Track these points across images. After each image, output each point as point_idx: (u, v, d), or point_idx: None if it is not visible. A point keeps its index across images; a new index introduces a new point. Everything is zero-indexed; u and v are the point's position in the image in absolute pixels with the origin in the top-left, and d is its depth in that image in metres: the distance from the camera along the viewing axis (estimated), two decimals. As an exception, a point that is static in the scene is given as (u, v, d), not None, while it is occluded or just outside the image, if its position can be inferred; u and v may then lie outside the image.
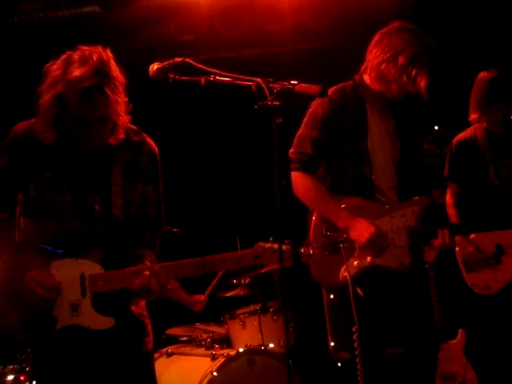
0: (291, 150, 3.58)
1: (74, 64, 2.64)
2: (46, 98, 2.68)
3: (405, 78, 3.42)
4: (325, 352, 5.38)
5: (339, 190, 3.56)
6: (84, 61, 2.63)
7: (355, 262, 3.46)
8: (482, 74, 4.31)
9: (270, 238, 2.78)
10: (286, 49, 6.35)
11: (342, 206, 3.52)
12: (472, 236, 4.26)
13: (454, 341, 4.68)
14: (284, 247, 2.60)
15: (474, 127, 4.39)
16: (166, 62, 2.75)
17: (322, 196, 3.54)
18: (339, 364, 5.41)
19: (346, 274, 3.40)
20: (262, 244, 2.79)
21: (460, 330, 4.72)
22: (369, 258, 3.44)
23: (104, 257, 2.76)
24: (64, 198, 2.77)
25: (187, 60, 2.71)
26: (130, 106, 2.81)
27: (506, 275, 4.17)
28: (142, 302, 2.97)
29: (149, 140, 2.99)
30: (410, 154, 3.61)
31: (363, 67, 3.63)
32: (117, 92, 2.68)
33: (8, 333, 2.69)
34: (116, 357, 2.80)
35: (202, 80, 2.65)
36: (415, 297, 3.55)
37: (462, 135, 4.43)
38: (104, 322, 2.71)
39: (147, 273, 2.69)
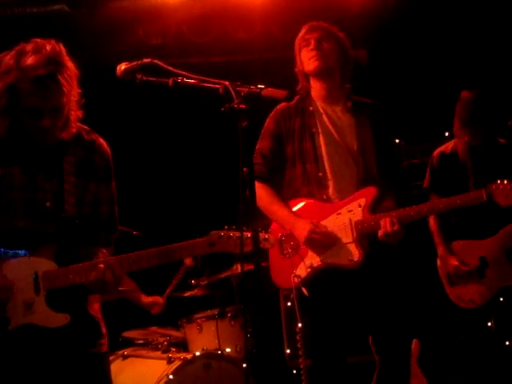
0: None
1: (27, 54, 2.61)
2: None
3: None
4: (280, 359, 5.43)
5: (293, 192, 3.63)
6: (37, 50, 2.61)
7: (307, 263, 3.47)
8: (466, 93, 4.38)
9: (225, 226, 2.81)
10: (253, 57, 6.40)
11: (293, 209, 3.60)
12: (456, 248, 4.31)
13: (408, 351, 4.76)
14: (238, 233, 2.67)
15: (455, 141, 4.46)
16: (134, 63, 2.75)
17: (272, 202, 3.65)
18: (294, 371, 5.46)
19: (295, 275, 3.46)
20: (216, 232, 2.81)
21: (414, 340, 4.80)
22: (318, 258, 3.45)
23: (57, 253, 2.71)
24: (14, 195, 2.71)
25: (155, 61, 2.72)
26: (83, 100, 2.78)
27: (491, 289, 4.17)
28: (97, 306, 2.92)
29: (101, 140, 2.96)
30: (370, 149, 3.60)
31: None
32: (70, 82, 2.66)
33: None
34: (70, 356, 2.75)
35: (170, 81, 2.66)
36: (377, 295, 3.47)
37: (443, 148, 4.49)
38: (59, 319, 2.67)
39: (102, 266, 2.66)
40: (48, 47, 2.64)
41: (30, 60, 2.59)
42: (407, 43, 6.17)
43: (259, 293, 2.56)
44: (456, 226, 4.35)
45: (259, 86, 2.46)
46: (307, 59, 3.63)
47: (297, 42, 3.72)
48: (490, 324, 4.28)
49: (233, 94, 2.44)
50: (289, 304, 5.50)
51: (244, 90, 2.46)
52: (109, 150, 2.97)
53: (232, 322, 4.90)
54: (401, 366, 3.57)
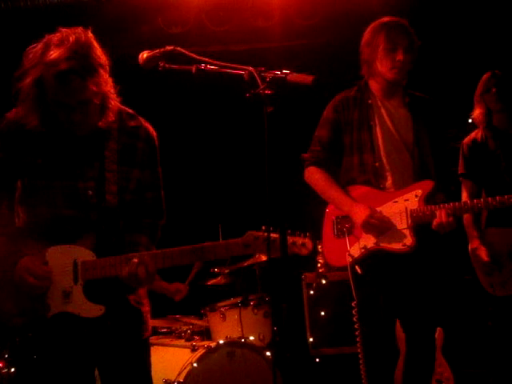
0: (307, 151, 3.89)
1: (51, 46, 2.57)
2: (26, 81, 2.61)
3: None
4: (303, 347, 5.43)
5: (350, 179, 3.76)
6: (61, 43, 2.56)
7: (360, 244, 3.60)
8: (489, 75, 4.37)
9: (263, 227, 2.70)
10: (273, 45, 6.37)
11: (351, 194, 3.72)
12: (488, 236, 4.28)
13: (432, 339, 4.74)
14: (273, 236, 2.54)
15: (480, 128, 4.42)
16: (157, 51, 2.72)
17: (329, 186, 3.78)
18: (317, 359, 5.47)
19: (349, 254, 3.57)
20: (252, 232, 2.71)
21: (438, 328, 4.78)
22: (373, 240, 3.58)
23: (97, 243, 2.71)
24: (56, 184, 2.71)
25: (178, 48, 2.69)
26: (118, 87, 2.75)
27: None
28: (142, 290, 2.90)
29: (146, 124, 2.92)
30: (426, 144, 3.70)
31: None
32: (96, 74, 2.59)
33: (4, 319, 2.65)
34: (106, 345, 2.76)
35: (193, 68, 2.62)
36: (424, 280, 3.60)
37: (473, 134, 4.45)
38: (94, 310, 2.67)
39: (135, 260, 2.64)
40: (72, 38, 2.57)
41: (52, 54, 2.54)
42: (431, 27, 6.10)
43: (283, 281, 2.54)
44: (490, 213, 4.30)
45: (284, 71, 2.43)
46: (389, 67, 3.65)
47: (381, 35, 3.65)
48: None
49: (258, 79, 2.41)
50: (311, 292, 5.51)
51: (269, 75, 2.42)
52: (154, 134, 2.93)
53: (255, 311, 4.92)
54: (427, 353, 3.65)
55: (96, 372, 2.84)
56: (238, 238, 2.72)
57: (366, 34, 3.76)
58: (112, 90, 2.73)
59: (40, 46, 2.62)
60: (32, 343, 2.68)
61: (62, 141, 2.74)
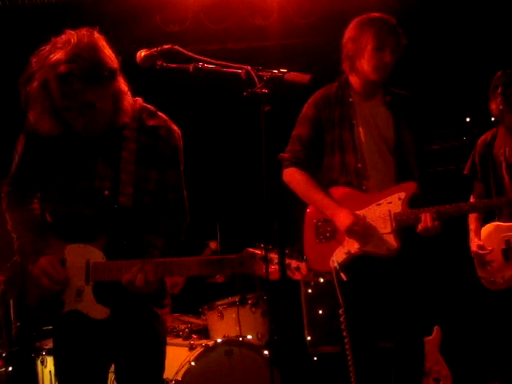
0: (285, 150, 3.74)
1: (56, 49, 2.54)
2: (33, 85, 2.58)
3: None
4: (301, 345, 5.44)
5: (331, 180, 3.66)
6: (63, 45, 2.53)
7: (344, 249, 3.54)
8: (500, 74, 4.29)
9: (261, 245, 2.60)
10: (271, 43, 6.37)
11: (333, 196, 3.63)
12: (484, 231, 4.27)
13: (430, 337, 4.75)
14: (271, 256, 2.51)
15: (497, 127, 4.37)
16: (154, 49, 2.70)
17: (311, 188, 3.66)
18: (315, 358, 5.48)
19: (333, 260, 3.50)
20: (249, 251, 2.62)
21: (436, 327, 4.79)
22: (356, 245, 3.51)
23: (108, 245, 2.70)
24: (74, 183, 2.70)
25: (176, 47, 2.68)
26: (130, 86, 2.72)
27: None
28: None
29: (168, 123, 2.85)
30: (407, 143, 3.65)
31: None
32: (99, 76, 2.54)
33: (30, 310, 2.75)
34: (117, 345, 2.77)
35: (191, 67, 2.62)
36: (408, 283, 3.56)
37: (485, 135, 4.41)
38: (101, 312, 2.67)
39: (135, 268, 2.62)
40: (74, 40, 2.53)
41: (54, 56, 2.51)
42: (426, 26, 6.10)
43: (281, 280, 2.54)
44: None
45: (281, 70, 2.43)
46: (374, 67, 3.55)
47: (369, 34, 3.55)
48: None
49: (255, 78, 2.42)
50: (309, 291, 5.52)
51: (266, 74, 2.43)
52: (177, 133, 2.87)
53: (253, 309, 4.92)
54: (416, 359, 3.60)
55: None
56: (235, 254, 2.65)
57: (352, 30, 3.63)
58: (125, 90, 2.69)
59: (47, 48, 2.59)
60: (53, 335, 2.79)
61: (77, 141, 2.72)
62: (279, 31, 6.25)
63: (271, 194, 2.40)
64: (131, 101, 2.75)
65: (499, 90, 4.23)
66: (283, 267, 2.47)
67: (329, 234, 3.58)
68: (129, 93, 2.73)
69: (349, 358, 3.51)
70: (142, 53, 2.72)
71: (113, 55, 2.63)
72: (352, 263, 3.52)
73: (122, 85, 2.70)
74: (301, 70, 2.51)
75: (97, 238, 2.70)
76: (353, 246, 3.52)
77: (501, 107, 4.23)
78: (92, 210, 2.70)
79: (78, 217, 2.71)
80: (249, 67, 2.46)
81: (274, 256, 2.52)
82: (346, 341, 3.50)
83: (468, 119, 5.49)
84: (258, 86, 2.40)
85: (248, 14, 6.23)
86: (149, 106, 2.87)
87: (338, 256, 3.54)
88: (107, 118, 2.68)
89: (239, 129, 6.32)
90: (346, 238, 3.53)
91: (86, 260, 2.69)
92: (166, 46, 2.71)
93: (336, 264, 3.49)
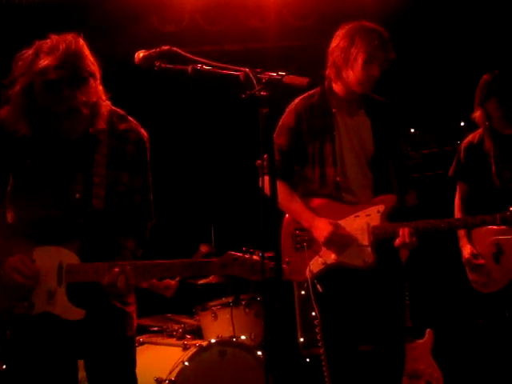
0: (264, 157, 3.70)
1: (41, 54, 2.56)
2: (15, 89, 2.60)
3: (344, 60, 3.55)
4: (294, 347, 5.44)
5: (309, 191, 3.66)
6: (51, 51, 2.55)
7: (320, 259, 3.54)
8: (484, 76, 4.30)
9: (243, 248, 2.69)
10: (267, 45, 6.38)
11: (312, 207, 3.63)
12: (474, 235, 4.27)
13: (422, 340, 4.77)
14: (255, 258, 2.59)
15: (482, 129, 4.35)
16: (153, 50, 2.72)
17: (290, 198, 3.66)
18: (308, 359, 5.48)
19: (309, 270, 3.51)
20: (231, 254, 2.69)
21: (428, 329, 4.81)
22: (333, 256, 3.52)
23: (81, 247, 2.72)
24: (45, 186, 2.72)
25: (174, 48, 2.70)
26: (108, 94, 2.76)
27: (505, 276, 4.14)
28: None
29: (137, 127, 2.92)
30: (386, 154, 3.65)
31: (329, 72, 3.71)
32: (85, 83, 2.59)
33: None
34: (89, 345, 2.79)
35: (189, 68, 2.63)
36: (384, 294, 3.57)
37: (471, 137, 4.40)
38: (75, 314, 2.69)
39: (116, 270, 2.65)
40: (62, 46, 2.56)
41: (42, 62, 2.53)
42: (421, 30, 6.13)
43: (274, 281, 2.55)
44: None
45: (280, 72, 2.45)
46: (361, 80, 3.52)
47: (360, 46, 3.49)
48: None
49: (254, 80, 2.43)
50: (302, 292, 5.51)
51: (265, 76, 2.44)
52: (145, 137, 2.93)
53: (246, 310, 4.94)
54: (395, 361, 3.64)
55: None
56: (219, 257, 2.71)
57: (341, 38, 3.58)
58: (103, 98, 2.73)
59: (30, 52, 2.61)
60: (14, 339, 2.73)
61: (52, 145, 2.75)
62: (276, 33, 6.27)
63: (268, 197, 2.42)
64: (107, 106, 2.79)
65: (494, 99, 4.19)
66: (279, 268, 2.47)
67: (306, 243, 3.57)
68: (104, 97, 2.76)
69: (323, 363, 3.53)
70: (141, 53, 2.74)
71: (95, 62, 2.67)
72: (328, 274, 3.53)
73: (101, 90, 2.73)
74: (297, 73, 2.53)
75: (69, 241, 2.72)
76: (329, 256, 3.53)
77: (498, 114, 4.20)
78: (63, 213, 2.72)
79: (47, 219, 2.72)
80: (247, 69, 2.48)
81: (256, 258, 2.60)
82: (321, 351, 3.54)
83: (462, 123, 5.51)
84: (257, 88, 2.41)
85: (244, 15, 6.25)
86: (118, 110, 2.91)
87: (315, 266, 3.55)
88: (87, 123, 2.73)
89: (234, 131, 6.33)
90: (323, 249, 3.54)
91: (58, 262, 2.70)
92: (164, 47, 2.72)
93: (311, 274, 3.50)
